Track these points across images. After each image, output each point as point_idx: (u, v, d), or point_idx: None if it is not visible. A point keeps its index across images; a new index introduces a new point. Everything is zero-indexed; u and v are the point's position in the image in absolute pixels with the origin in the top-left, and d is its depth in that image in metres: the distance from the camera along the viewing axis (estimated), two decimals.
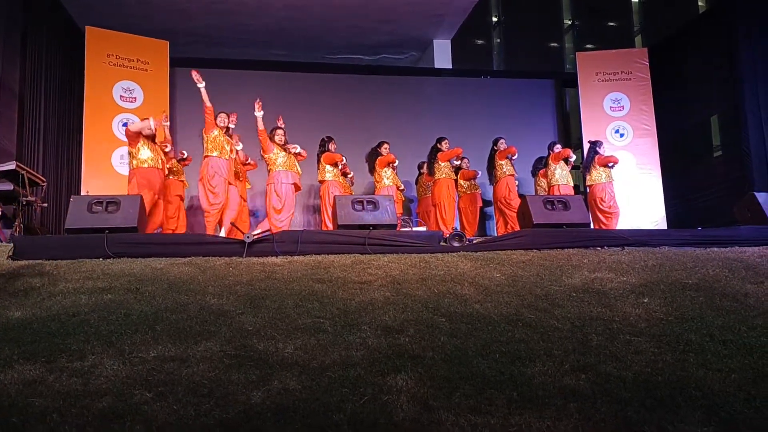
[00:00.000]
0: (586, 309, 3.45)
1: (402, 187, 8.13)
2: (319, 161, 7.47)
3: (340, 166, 7.44)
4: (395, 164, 7.96)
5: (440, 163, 7.84)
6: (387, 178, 7.86)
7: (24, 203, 5.75)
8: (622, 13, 18.85)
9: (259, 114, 6.66)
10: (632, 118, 9.80)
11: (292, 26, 10.87)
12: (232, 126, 6.80)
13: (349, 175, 8.09)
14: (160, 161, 6.42)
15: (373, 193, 7.75)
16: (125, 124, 7.34)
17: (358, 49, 11.99)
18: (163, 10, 9.95)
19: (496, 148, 8.24)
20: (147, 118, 6.34)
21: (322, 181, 7.46)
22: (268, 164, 6.86)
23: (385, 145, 7.93)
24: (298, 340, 2.83)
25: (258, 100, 6.65)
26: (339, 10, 10.32)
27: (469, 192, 8.60)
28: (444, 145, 7.88)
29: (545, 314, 3.35)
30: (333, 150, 7.44)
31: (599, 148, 8.05)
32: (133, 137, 6.27)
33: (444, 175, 7.91)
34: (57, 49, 8.16)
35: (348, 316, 3.20)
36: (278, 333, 2.91)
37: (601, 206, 7.84)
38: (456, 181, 8.31)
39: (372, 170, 8.06)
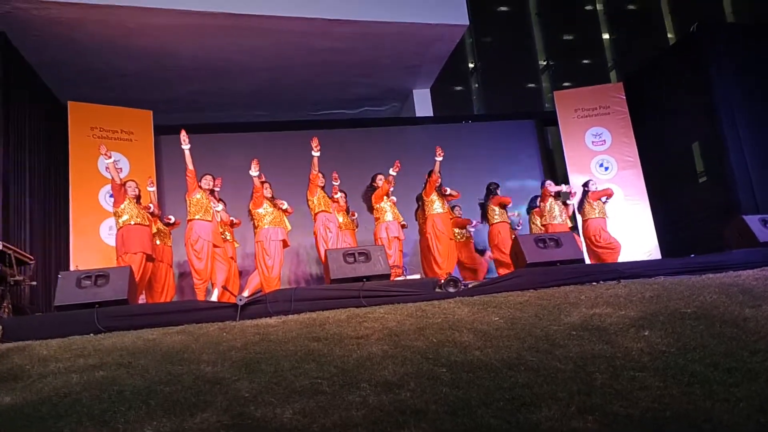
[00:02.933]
0: (588, 347, 3.41)
1: (404, 223, 7.91)
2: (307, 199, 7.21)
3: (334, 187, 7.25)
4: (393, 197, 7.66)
5: (426, 199, 7.69)
6: (387, 212, 7.52)
7: (12, 283, 5.68)
8: (595, 51, 19.34)
9: (255, 174, 6.59)
10: (615, 151, 9.92)
11: (274, 87, 11.05)
12: (217, 189, 6.82)
13: (354, 217, 7.96)
14: (146, 218, 6.56)
15: (374, 231, 7.64)
16: (111, 196, 7.35)
17: (340, 103, 12.18)
18: (145, 81, 10.10)
19: (491, 195, 8.16)
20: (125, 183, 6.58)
21: (316, 215, 7.09)
22: (255, 220, 6.81)
23: (380, 176, 7.59)
24: (297, 404, 2.76)
25: (255, 160, 6.60)
26: (319, 67, 10.52)
27: (462, 240, 8.51)
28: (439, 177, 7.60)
29: (547, 356, 3.29)
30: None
31: (588, 186, 8.07)
32: (118, 190, 6.41)
33: (433, 211, 7.60)
34: (40, 125, 8.20)
35: (346, 374, 3.13)
36: (275, 398, 2.84)
37: (597, 243, 7.79)
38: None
39: (370, 208, 7.76)
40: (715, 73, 8.68)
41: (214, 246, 6.53)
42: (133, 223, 6.37)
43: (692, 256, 6.55)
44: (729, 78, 8.67)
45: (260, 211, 6.74)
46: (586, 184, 8.17)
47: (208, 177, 6.70)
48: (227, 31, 9.03)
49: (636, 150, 9.87)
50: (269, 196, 6.82)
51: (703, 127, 8.96)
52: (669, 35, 18.71)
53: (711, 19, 16.86)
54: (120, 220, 6.39)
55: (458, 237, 8.47)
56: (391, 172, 7.42)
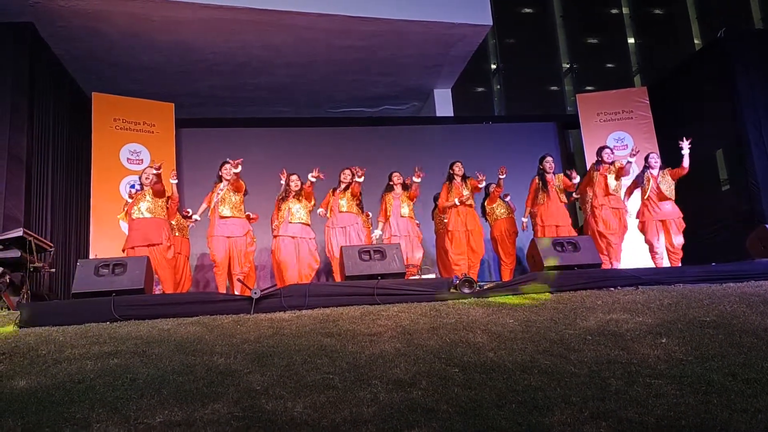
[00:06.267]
0: (603, 352, 3.36)
1: (418, 222, 7.82)
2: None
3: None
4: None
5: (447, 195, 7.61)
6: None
7: (31, 270, 5.74)
8: (619, 55, 19.12)
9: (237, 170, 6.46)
10: (637, 156, 9.77)
11: (295, 83, 11.08)
12: (238, 170, 6.57)
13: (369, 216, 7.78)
14: (158, 210, 6.41)
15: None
16: (132, 186, 7.39)
17: (360, 102, 12.18)
18: (168, 74, 10.18)
19: (541, 167, 7.77)
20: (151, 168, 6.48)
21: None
22: (276, 214, 6.86)
23: (396, 175, 7.52)
24: (307, 398, 2.76)
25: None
26: (340, 65, 10.52)
27: (504, 216, 8.14)
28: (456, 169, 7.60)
29: (561, 360, 3.26)
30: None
31: (650, 161, 7.82)
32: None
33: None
34: (64, 115, 8.29)
35: (358, 370, 3.12)
36: (287, 391, 2.84)
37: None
38: (483, 207, 8.04)
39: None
40: (741, 80, 8.53)
41: (229, 237, 6.53)
42: (147, 215, 6.29)
43: (713, 264, 6.44)
44: (756, 85, 8.50)
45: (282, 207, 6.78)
46: (646, 159, 7.81)
47: (227, 166, 6.62)
48: (250, 27, 9.07)
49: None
50: (296, 188, 6.80)
51: (727, 135, 8.81)
52: (695, 41, 18.43)
53: (739, 25, 16.57)
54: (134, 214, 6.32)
55: (499, 215, 8.17)
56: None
